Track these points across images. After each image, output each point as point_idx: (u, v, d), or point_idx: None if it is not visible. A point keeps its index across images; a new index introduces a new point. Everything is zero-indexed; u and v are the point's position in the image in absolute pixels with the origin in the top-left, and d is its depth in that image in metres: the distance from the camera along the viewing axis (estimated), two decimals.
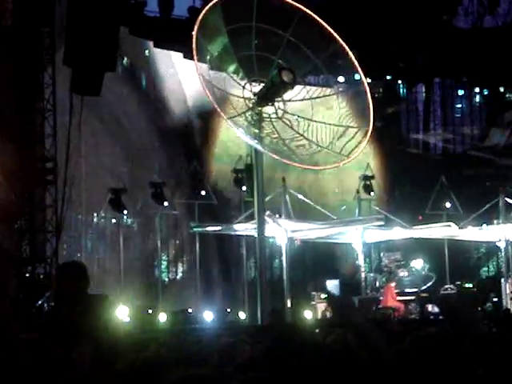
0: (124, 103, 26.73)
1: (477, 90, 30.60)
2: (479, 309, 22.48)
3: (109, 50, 18.54)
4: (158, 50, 27.00)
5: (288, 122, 20.59)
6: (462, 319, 4.88)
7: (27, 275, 23.49)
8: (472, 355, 4.13)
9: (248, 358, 5.59)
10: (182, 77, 27.17)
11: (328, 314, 22.87)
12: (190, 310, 22.94)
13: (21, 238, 23.92)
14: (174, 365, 4.81)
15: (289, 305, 21.56)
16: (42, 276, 23.87)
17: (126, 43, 24.86)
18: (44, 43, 21.30)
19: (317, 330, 7.66)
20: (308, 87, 22.06)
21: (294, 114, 20.78)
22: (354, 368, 4.00)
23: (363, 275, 24.68)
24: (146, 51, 26.69)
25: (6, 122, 21.64)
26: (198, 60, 18.60)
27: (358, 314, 4.33)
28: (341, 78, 23.01)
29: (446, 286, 24.38)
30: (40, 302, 22.84)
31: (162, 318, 21.15)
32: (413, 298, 23.48)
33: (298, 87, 20.64)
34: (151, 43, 26.78)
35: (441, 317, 7.12)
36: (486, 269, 30.26)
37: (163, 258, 25.81)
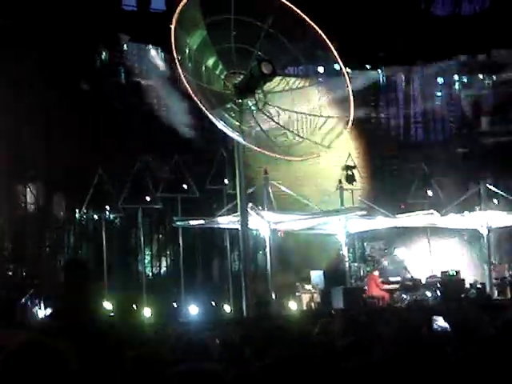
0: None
1: (456, 77, 30.54)
2: (463, 296, 22.60)
3: None
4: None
5: (269, 114, 20.56)
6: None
7: (9, 273, 23.32)
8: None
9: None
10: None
11: (313, 305, 22.90)
12: (174, 305, 22.85)
13: (2, 236, 23.76)
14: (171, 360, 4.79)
15: (273, 297, 21.54)
16: (24, 273, 23.71)
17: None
18: None
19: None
20: (288, 78, 22.01)
21: (274, 106, 20.74)
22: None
23: (347, 265, 24.69)
24: (125, 45, 26.32)
25: None
26: (177, 54, 18.48)
27: None
28: (320, 69, 22.97)
29: (431, 275, 24.46)
30: (23, 300, 22.68)
31: (147, 313, 21.07)
32: (397, 286, 23.56)
33: (277, 78, 20.60)
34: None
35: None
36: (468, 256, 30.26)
37: (146, 252, 25.66)
